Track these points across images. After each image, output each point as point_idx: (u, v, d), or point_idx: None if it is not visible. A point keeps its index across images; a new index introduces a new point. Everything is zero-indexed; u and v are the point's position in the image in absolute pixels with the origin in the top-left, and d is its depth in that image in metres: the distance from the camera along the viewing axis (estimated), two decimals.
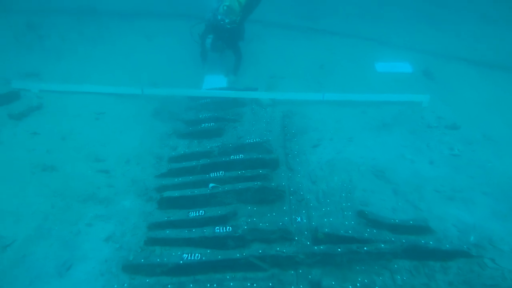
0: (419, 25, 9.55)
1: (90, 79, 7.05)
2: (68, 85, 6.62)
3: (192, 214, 4.37)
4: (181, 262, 3.84)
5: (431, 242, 4.01)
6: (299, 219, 4.44)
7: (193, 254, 3.90)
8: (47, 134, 5.61)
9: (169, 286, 3.76)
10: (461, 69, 7.57)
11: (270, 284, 3.74)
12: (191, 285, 3.76)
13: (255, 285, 3.74)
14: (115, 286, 3.67)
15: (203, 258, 3.87)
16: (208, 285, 3.76)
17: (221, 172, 4.95)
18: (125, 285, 3.68)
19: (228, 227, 4.17)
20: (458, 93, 6.77)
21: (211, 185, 4.73)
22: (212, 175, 4.93)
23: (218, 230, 4.13)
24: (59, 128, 5.73)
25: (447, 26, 9.45)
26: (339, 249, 3.88)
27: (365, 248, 3.87)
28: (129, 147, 5.54)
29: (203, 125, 6.03)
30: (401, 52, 8.25)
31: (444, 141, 5.53)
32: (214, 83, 7.24)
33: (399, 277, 3.79)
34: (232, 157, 5.20)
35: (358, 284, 3.72)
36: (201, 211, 4.42)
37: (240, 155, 5.20)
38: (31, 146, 5.34)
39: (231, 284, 3.78)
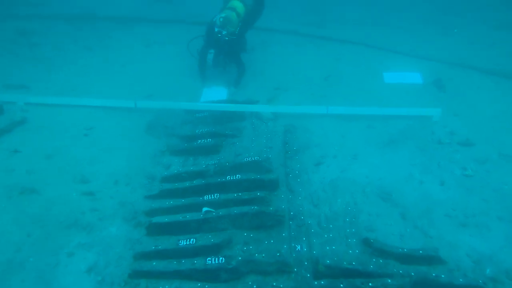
0: (429, 32, 9.30)
1: (82, 91, 6.90)
2: (56, 98, 6.44)
3: (183, 242, 4.11)
4: None
5: (443, 276, 3.71)
6: (298, 247, 4.17)
7: None
8: (29, 152, 5.39)
9: None
10: (475, 79, 7.25)
11: None
12: None
13: None
14: None
15: None
16: None
17: (216, 194, 4.71)
18: None
19: (221, 258, 3.91)
20: (472, 106, 6.45)
21: (204, 209, 4.48)
22: (206, 198, 4.69)
23: (210, 262, 3.88)
24: (44, 145, 5.51)
25: (459, 33, 9.15)
26: (341, 285, 3.61)
27: (370, 284, 3.59)
28: (119, 166, 5.31)
29: (199, 141, 5.80)
30: (411, 61, 7.98)
31: (456, 159, 5.23)
32: (213, 96, 7.04)
33: None
34: (228, 177, 4.95)
35: None
36: (192, 239, 4.17)
37: (237, 176, 4.95)
38: (10, 166, 5.11)
39: None
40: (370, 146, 5.67)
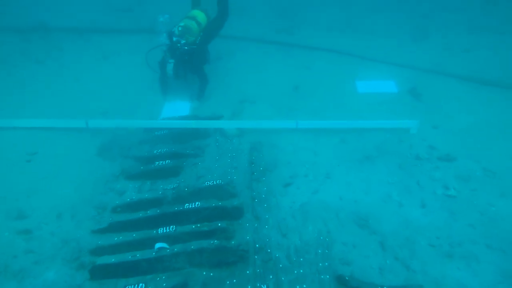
0: (402, 37, 8.95)
1: (29, 110, 6.25)
2: None
3: None
4: None
5: None
6: (265, 287, 3.69)
7: None
8: None
9: None
10: (453, 87, 6.92)
11: None
12: None
13: None
14: None
15: None
16: None
17: (172, 227, 4.20)
18: None
19: None
20: (451, 116, 6.11)
21: (157, 245, 3.95)
22: (160, 231, 4.17)
23: None
24: None
25: (434, 39, 8.86)
26: None
27: None
28: (64, 196, 4.73)
29: (157, 163, 5.27)
30: (384, 68, 7.62)
31: (437, 177, 4.84)
32: (175, 111, 6.54)
33: None
34: (187, 205, 4.46)
35: None
36: (141, 284, 3.63)
37: (197, 203, 4.47)
38: None
39: None
40: (344, 163, 5.27)
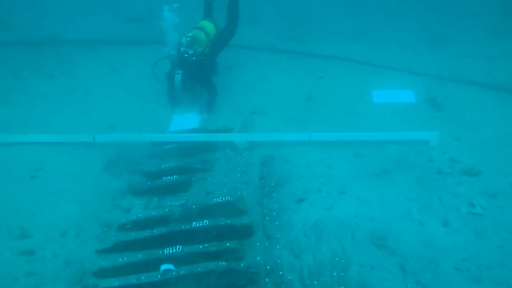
0: (420, 44, 8.68)
1: (37, 124, 6.19)
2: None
3: None
4: None
5: None
6: None
7: None
8: None
9: None
10: (475, 96, 6.60)
11: None
12: None
13: None
14: None
15: None
16: None
17: (178, 246, 4.02)
18: None
19: None
20: (474, 127, 5.80)
21: (163, 267, 3.77)
22: (166, 251, 3.99)
23: None
24: None
25: (453, 45, 8.57)
26: None
27: None
28: (69, 214, 4.60)
29: (165, 178, 5.11)
30: (401, 76, 7.36)
31: (461, 193, 4.55)
32: (184, 124, 6.40)
33: None
34: (194, 224, 4.27)
35: None
36: None
37: (205, 221, 4.28)
38: None
39: None
40: (359, 177, 5.04)
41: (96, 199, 4.88)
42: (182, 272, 3.72)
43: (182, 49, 6.28)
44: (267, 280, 3.76)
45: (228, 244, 3.97)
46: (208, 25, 6.84)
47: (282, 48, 8.79)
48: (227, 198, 4.56)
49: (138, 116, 6.53)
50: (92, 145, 5.70)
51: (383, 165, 5.16)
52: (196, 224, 4.26)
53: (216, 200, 4.57)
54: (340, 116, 6.24)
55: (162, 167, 5.32)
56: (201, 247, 3.98)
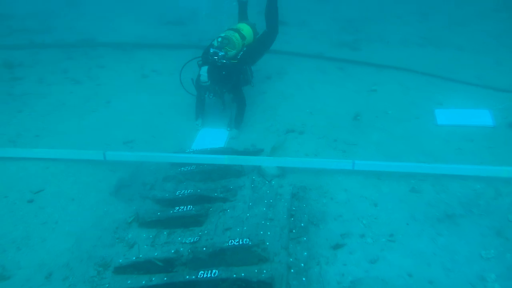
0: (504, 53, 7.48)
1: (49, 137, 5.76)
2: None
3: None
4: None
5: None
6: None
7: None
8: None
9: None
10: None
11: None
12: None
13: None
14: None
15: None
16: None
17: None
18: None
19: None
20: None
21: None
22: None
23: None
24: None
25: None
26: None
27: None
28: (61, 249, 4.02)
29: (178, 208, 4.47)
30: (476, 92, 6.32)
31: None
32: (210, 141, 5.79)
33: None
34: (201, 273, 3.59)
35: None
36: None
37: (214, 271, 3.57)
38: None
39: None
40: (415, 222, 4.14)
41: (97, 230, 4.29)
42: None
43: (211, 50, 5.66)
44: None
45: None
46: (245, 28, 6.25)
47: (331, 56, 8.02)
48: (245, 241, 3.83)
49: (161, 130, 6.01)
50: (104, 163, 5.17)
51: (448, 207, 4.21)
52: (204, 274, 3.57)
53: (231, 242, 3.84)
54: (394, 140, 5.34)
55: (177, 193, 4.69)
56: None
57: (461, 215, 4.09)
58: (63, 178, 4.94)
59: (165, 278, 3.63)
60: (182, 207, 4.47)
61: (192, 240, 4.09)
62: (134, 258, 3.95)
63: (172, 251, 3.95)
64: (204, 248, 3.85)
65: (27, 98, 6.90)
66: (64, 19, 11.40)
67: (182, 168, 5.11)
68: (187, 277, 3.58)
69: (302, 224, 4.16)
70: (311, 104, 6.35)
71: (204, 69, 5.55)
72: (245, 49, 6.04)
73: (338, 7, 11.59)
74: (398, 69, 7.18)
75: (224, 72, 5.65)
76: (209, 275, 3.54)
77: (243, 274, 3.51)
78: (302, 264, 3.75)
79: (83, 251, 4.00)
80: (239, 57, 5.91)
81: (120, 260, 3.96)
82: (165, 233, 4.34)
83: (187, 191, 4.70)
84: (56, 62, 8.56)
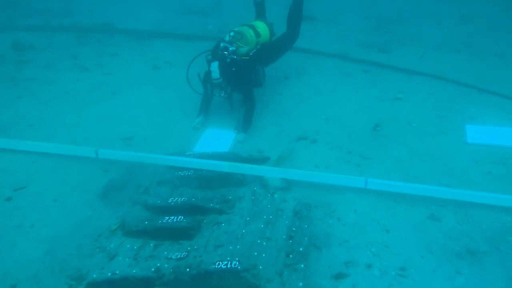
0: None
1: (44, 128, 5.57)
2: None
3: None
4: None
5: None
6: None
7: None
8: None
9: None
10: None
11: None
12: None
13: None
14: None
15: None
16: None
17: None
18: None
19: None
20: None
21: None
22: None
23: None
24: None
25: None
26: None
27: None
28: (30, 257, 3.71)
29: (167, 218, 4.15)
30: None
31: None
32: (214, 143, 5.48)
33: None
34: None
35: None
36: None
37: None
38: None
39: None
40: (431, 255, 3.67)
41: (76, 237, 3.97)
42: None
43: (222, 44, 5.36)
44: None
45: None
46: (261, 26, 5.91)
47: (357, 57, 7.54)
48: (234, 265, 3.47)
49: (164, 128, 5.74)
50: (96, 161, 4.90)
51: (471, 241, 3.72)
52: None
53: (219, 265, 3.49)
54: (415, 157, 4.85)
55: (170, 201, 4.37)
56: None
57: (486, 252, 3.60)
58: (50, 175, 4.69)
59: None
60: (173, 217, 4.14)
61: (179, 256, 3.75)
62: (109, 274, 3.66)
63: (153, 269, 3.63)
64: (188, 269, 3.51)
65: (31, 83, 6.79)
66: (86, 2, 11.32)
67: (180, 173, 4.78)
68: None
69: (301, 249, 3.76)
70: (328, 110, 5.93)
71: (215, 65, 5.19)
72: (258, 47, 5.73)
73: (372, 4, 11.07)
74: (428, 76, 6.65)
75: (234, 69, 5.32)
76: None
77: None
78: None
79: (56, 261, 3.70)
80: (251, 54, 5.58)
81: (94, 276, 3.65)
82: (151, 244, 4.00)
83: (181, 199, 4.37)
84: (68, 47, 8.48)
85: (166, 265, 3.65)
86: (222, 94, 5.47)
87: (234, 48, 5.32)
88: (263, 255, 3.65)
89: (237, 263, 3.47)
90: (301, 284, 3.45)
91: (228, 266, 3.45)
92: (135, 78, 7.13)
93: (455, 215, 4.00)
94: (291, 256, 3.72)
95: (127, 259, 3.82)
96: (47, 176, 4.66)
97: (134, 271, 3.61)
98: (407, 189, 4.18)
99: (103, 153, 4.88)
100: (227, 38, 5.46)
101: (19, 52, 7.99)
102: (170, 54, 8.10)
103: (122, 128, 5.66)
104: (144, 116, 5.97)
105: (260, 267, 3.51)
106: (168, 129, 5.71)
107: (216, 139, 5.53)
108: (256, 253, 3.63)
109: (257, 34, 5.72)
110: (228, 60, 5.26)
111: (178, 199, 4.38)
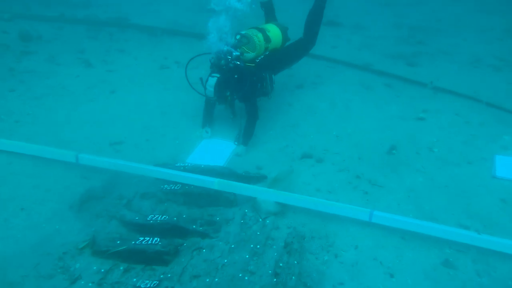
0: None
1: (31, 125, 5.28)
2: None
3: None
4: None
5: None
6: None
7: None
8: None
9: None
10: None
11: None
12: None
13: None
14: None
15: None
16: None
17: None
18: None
19: None
20: None
21: None
22: None
23: None
24: None
25: None
26: None
27: None
28: None
29: (141, 239, 3.77)
30: None
31: None
32: (210, 154, 5.11)
33: None
34: None
35: None
36: None
37: None
38: None
39: None
40: None
41: (36, 255, 3.56)
42: None
43: (225, 48, 4.95)
44: None
45: None
46: (273, 29, 5.52)
47: (380, 69, 7.03)
48: None
49: (158, 134, 5.39)
50: (78, 167, 4.55)
51: None
52: None
53: None
54: (433, 189, 4.33)
55: (149, 218, 3.99)
56: None
57: None
58: (24, 179, 4.34)
59: None
60: (148, 238, 3.77)
61: (148, 285, 3.39)
62: None
63: None
64: None
65: (28, 76, 6.54)
66: None
67: (166, 186, 4.42)
68: None
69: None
70: (340, 126, 5.47)
71: (212, 82, 4.81)
72: (267, 53, 5.34)
73: (403, 12, 10.51)
74: (458, 95, 6.10)
75: (236, 76, 4.90)
76: None
77: None
78: None
79: (5, 284, 3.32)
80: (257, 61, 5.19)
81: None
82: (121, 268, 3.61)
83: (161, 218, 3.99)
84: (77, 40, 8.27)
85: None
86: (221, 103, 5.12)
87: (238, 53, 4.95)
88: None
89: None
90: None
91: None
92: (138, 77, 6.82)
93: (475, 263, 3.46)
94: None
95: (90, 284, 3.44)
96: (21, 181, 4.31)
97: None
98: (419, 228, 3.67)
99: (84, 158, 4.53)
100: (233, 41, 5.08)
101: (25, 42, 7.79)
102: (181, 54, 7.72)
103: (113, 131, 5.32)
104: (140, 119, 5.64)
105: None
106: (163, 135, 5.36)
107: (213, 150, 5.17)
108: None
109: (267, 39, 5.32)
110: (231, 65, 4.85)
111: (158, 217, 4.02)
